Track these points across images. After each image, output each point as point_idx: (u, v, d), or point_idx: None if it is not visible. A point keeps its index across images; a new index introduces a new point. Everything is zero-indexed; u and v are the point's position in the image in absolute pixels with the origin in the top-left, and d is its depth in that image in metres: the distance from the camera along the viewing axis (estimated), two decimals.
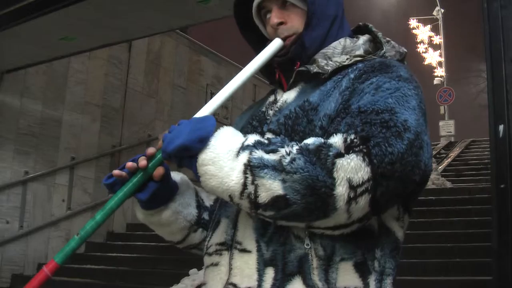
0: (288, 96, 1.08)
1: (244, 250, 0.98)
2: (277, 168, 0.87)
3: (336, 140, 0.88)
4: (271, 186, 0.86)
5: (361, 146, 0.86)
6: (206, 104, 1.04)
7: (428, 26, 20.92)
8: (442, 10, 20.19)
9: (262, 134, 1.03)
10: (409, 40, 20.70)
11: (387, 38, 1.10)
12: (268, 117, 1.09)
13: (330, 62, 1.05)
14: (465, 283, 3.81)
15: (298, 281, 0.92)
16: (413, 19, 21.18)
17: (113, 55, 6.68)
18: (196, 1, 3.87)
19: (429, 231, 4.85)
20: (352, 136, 0.88)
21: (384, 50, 1.06)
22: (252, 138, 0.93)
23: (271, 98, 1.14)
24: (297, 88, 1.08)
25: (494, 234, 1.83)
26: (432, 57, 20.56)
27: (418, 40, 21.05)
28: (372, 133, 0.88)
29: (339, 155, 0.86)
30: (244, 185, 0.88)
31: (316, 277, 0.92)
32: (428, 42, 20.95)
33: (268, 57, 1.08)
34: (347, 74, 1.01)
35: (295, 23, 1.08)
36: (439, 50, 20.63)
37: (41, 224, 5.73)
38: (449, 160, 9.73)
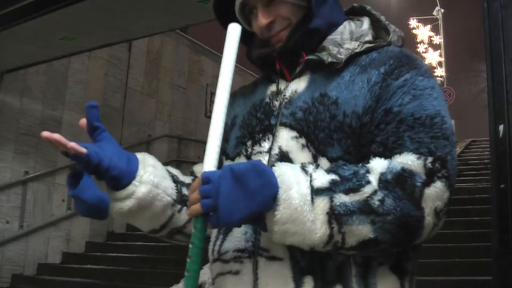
0: (297, 86, 0.98)
1: (273, 258, 0.89)
2: (365, 211, 0.80)
3: (411, 163, 0.82)
4: (361, 232, 0.80)
5: (443, 171, 0.83)
6: (209, 139, 0.87)
7: (428, 26, 20.94)
8: (442, 10, 20.21)
9: (270, 127, 0.96)
10: (409, 40, 20.71)
11: (387, 21, 1.05)
12: (274, 109, 0.99)
13: (342, 49, 0.98)
14: (465, 283, 3.81)
15: None
16: (413, 19, 21.21)
17: (113, 55, 6.68)
18: (196, 1, 3.87)
19: None
20: (430, 160, 0.83)
21: (391, 35, 1.01)
22: (319, 175, 0.82)
23: (272, 88, 1.03)
24: (305, 78, 0.99)
25: (494, 234, 1.83)
26: (432, 57, 20.59)
27: (418, 40, 21.09)
28: (443, 150, 0.84)
29: (425, 184, 0.81)
30: (331, 236, 0.80)
31: (355, 284, 0.87)
32: (428, 42, 20.98)
33: (236, 51, 0.94)
34: (364, 66, 0.94)
35: (286, 15, 0.99)
36: (439, 50, 20.65)
37: (41, 224, 5.73)
38: None
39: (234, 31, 0.94)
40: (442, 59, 20.43)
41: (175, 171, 1.06)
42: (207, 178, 0.81)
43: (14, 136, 5.55)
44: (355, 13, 1.07)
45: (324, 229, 0.80)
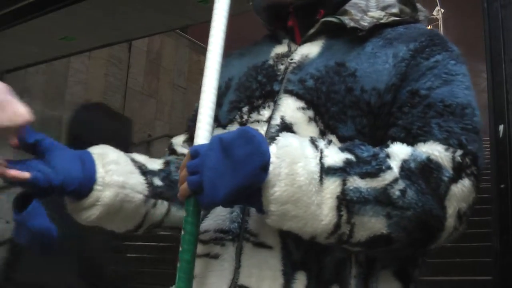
0: (309, 51, 0.86)
1: (261, 245, 0.77)
2: (382, 201, 0.67)
3: (438, 154, 0.71)
4: (373, 225, 0.68)
5: (473, 168, 0.72)
6: (200, 109, 0.77)
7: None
8: (442, 10, 20.19)
9: (272, 93, 0.85)
10: None
11: None
12: (279, 73, 0.87)
13: (366, 16, 0.86)
14: (465, 283, 3.81)
15: None
16: None
17: (113, 55, 6.67)
18: (196, 1, 3.87)
19: None
20: (460, 153, 0.71)
21: (419, 12, 0.92)
22: (332, 153, 0.69)
23: (279, 49, 0.91)
24: (319, 42, 0.87)
25: (494, 234, 1.83)
26: None
27: None
28: (474, 145, 0.73)
29: (453, 180, 0.70)
30: (337, 226, 0.68)
31: (354, 287, 0.75)
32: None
33: (228, 8, 0.83)
34: (389, 40, 0.83)
35: None
36: None
37: None
38: None
39: None
40: None
41: (142, 158, 0.92)
42: (195, 152, 0.71)
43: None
44: None
45: (331, 216, 0.67)
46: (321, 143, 0.71)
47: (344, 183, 0.68)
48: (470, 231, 4.83)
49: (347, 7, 0.88)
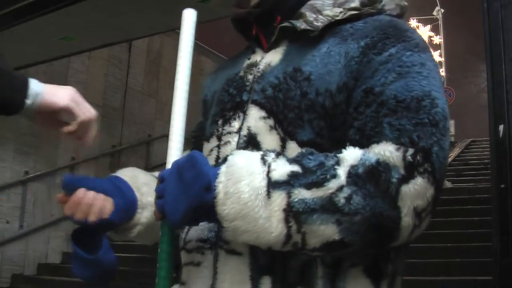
0: (272, 59, 0.87)
1: (232, 252, 0.80)
2: (329, 208, 0.69)
3: (388, 154, 0.70)
4: (324, 232, 0.69)
5: (426, 165, 0.70)
6: (171, 136, 0.82)
7: (428, 26, 20.95)
8: (442, 10, 20.22)
9: (242, 104, 0.86)
10: None
11: None
12: (247, 83, 0.88)
13: (320, 16, 0.84)
14: (465, 283, 3.81)
15: None
16: (413, 19, 21.20)
17: (113, 55, 6.68)
18: (196, 1, 3.87)
19: (429, 231, 4.84)
20: (411, 152, 0.70)
21: (383, 2, 0.87)
22: (279, 166, 0.71)
23: (249, 60, 0.92)
24: (281, 49, 0.87)
25: (494, 234, 1.83)
26: None
27: None
28: (428, 140, 0.72)
29: (403, 180, 0.69)
30: (288, 236, 0.70)
31: (320, 287, 0.76)
32: (428, 42, 20.95)
33: (193, 39, 0.86)
34: (345, 37, 0.82)
35: None
36: (439, 50, 20.66)
37: (41, 224, 5.73)
38: (449, 160, 9.74)
39: (189, 17, 0.88)
40: (442, 59, 20.43)
41: None
42: (161, 177, 0.76)
43: (14, 136, 5.54)
44: None
45: (280, 227, 0.69)
46: (270, 157, 0.73)
47: (289, 195, 0.70)
48: (470, 231, 4.84)
49: (302, 9, 0.87)
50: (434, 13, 20.54)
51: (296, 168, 0.71)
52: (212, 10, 4.05)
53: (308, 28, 0.83)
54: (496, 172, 1.86)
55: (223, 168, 0.73)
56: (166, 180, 0.75)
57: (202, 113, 1.02)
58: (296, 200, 0.69)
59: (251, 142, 0.83)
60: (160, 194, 0.75)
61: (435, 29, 20.81)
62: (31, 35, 4.30)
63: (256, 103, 0.84)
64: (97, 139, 6.85)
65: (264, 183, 0.70)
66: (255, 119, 0.83)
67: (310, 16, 0.85)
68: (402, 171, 0.70)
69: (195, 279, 0.84)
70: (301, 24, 0.84)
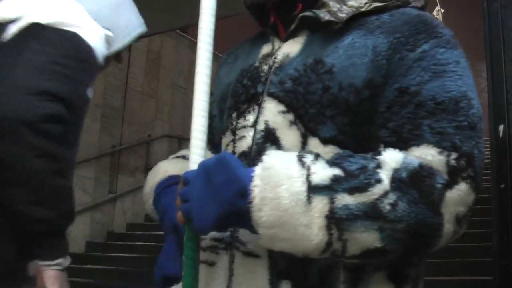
0: (291, 49, 0.83)
1: (250, 254, 0.77)
2: (372, 215, 0.65)
3: (431, 158, 0.68)
4: (366, 240, 0.66)
5: (469, 170, 0.68)
6: (192, 134, 0.76)
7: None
8: (442, 10, 20.20)
9: (256, 96, 0.82)
10: None
11: None
12: (262, 74, 0.84)
13: (345, 7, 0.80)
14: (465, 283, 3.81)
15: None
16: None
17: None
18: (196, 1, 3.88)
19: None
20: (455, 156, 0.68)
21: None
22: (319, 169, 0.67)
23: (265, 49, 0.88)
24: (300, 39, 0.83)
25: (494, 234, 1.83)
26: None
27: None
28: (469, 144, 0.69)
29: (447, 186, 0.67)
30: (329, 244, 0.66)
31: None
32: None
33: (213, 25, 0.80)
34: (371, 29, 0.78)
35: None
36: None
37: None
38: None
39: (207, 2, 0.82)
40: None
41: None
42: (185, 179, 0.72)
43: None
44: None
45: (321, 235, 0.66)
46: (308, 159, 0.69)
47: (332, 201, 0.66)
48: (470, 231, 4.83)
49: None
50: (434, 13, 20.50)
51: (337, 171, 0.67)
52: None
53: (332, 19, 0.79)
54: (496, 172, 1.86)
55: (258, 170, 0.68)
56: (191, 182, 0.71)
57: (222, 107, 0.95)
58: (339, 206, 0.65)
59: (269, 138, 0.79)
60: (185, 198, 0.71)
61: None
62: None
63: (273, 96, 0.80)
64: (97, 139, 6.88)
65: (304, 187, 0.66)
66: (272, 113, 0.80)
67: (334, 6, 0.81)
68: (445, 176, 0.67)
69: (209, 280, 0.80)
70: (324, 15, 0.80)
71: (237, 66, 0.92)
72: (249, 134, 0.82)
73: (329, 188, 0.66)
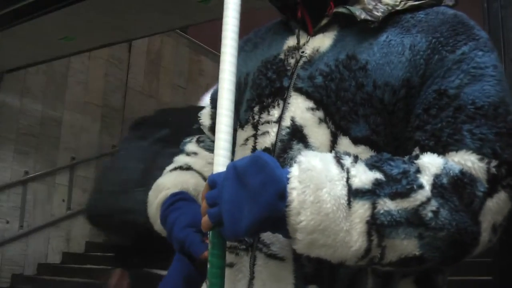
0: (321, 44, 0.80)
1: (273, 256, 0.73)
2: (414, 222, 0.62)
3: (470, 165, 0.65)
4: (405, 247, 0.63)
5: (508, 179, 0.66)
6: (218, 135, 0.71)
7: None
8: None
9: (282, 91, 0.79)
10: None
11: None
12: (288, 67, 0.81)
13: (380, 5, 0.78)
14: (465, 283, 3.81)
15: None
16: None
17: (113, 55, 6.67)
18: (196, 1, 3.87)
19: None
20: (495, 163, 0.65)
21: None
22: (360, 172, 0.64)
23: (291, 41, 0.84)
24: (331, 34, 0.80)
25: None
26: None
27: None
28: (510, 152, 0.67)
29: (488, 194, 0.64)
30: (368, 250, 0.63)
31: None
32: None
33: (238, 19, 0.76)
34: (407, 28, 0.76)
35: None
36: None
37: (41, 224, 5.72)
38: None
39: None
40: None
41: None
42: (212, 182, 0.68)
43: (14, 136, 5.54)
44: None
45: (361, 241, 0.62)
46: (347, 161, 0.66)
47: (374, 206, 0.63)
48: None
49: None
50: None
51: (379, 175, 0.64)
52: (212, 10, 4.04)
53: (368, 18, 0.76)
54: None
55: (294, 171, 0.65)
56: (220, 185, 0.66)
57: (236, 97, 0.84)
58: (381, 212, 0.62)
59: (296, 135, 0.75)
60: (213, 202, 0.67)
61: None
62: (31, 35, 4.30)
63: (301, 91, 0.77)
64: (97, 139, 6.86)
65: (344, 191, 0.63)
66: (300, 109, 0.76)
67: (369, 3, 0.78)
68: (486, 184, 0.65)
69: (228, 282, 0.75)
70: (360, 13, 0.77)
71: (256, 56, 0.88)
72: (273, 130, 0.78)
73: (372, 193, 0.63)
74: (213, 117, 0.97)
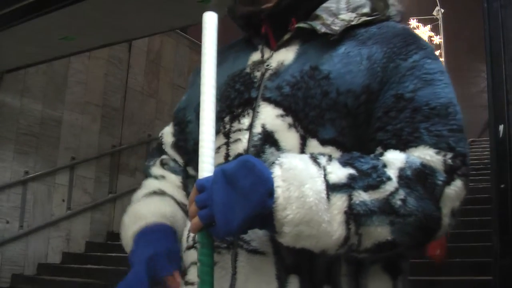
0: (285, 57, 0.88)
1: (255, 251, 0.79)
2: (385, 210, 0.71)
3: (429, 158, 0.74)
4: (379, 234, 0.71)
5: (463, 169, 0.75)
6: (201, 143, 0.77)
7: (428, 26, 20.92)
8: (442, 10, 20.19)
9: (250, 101, 0.86)
10: None
11: None
12: (255, 80, 0.88)
13: (337, 20, 0.86)
14: (465, 283, 3.81)
15: None
16: (413, 19, 21.18)
17: (113, 55, 6.67)
18: (196, 1, 3.87)
19: None
20: (450, 155, 0.75)
21: (390, 9, 0.91)
22: (335, 169, 0.72)
23: (255, 56, 0.92)
24: (293, 48, 0.88)
25: (494, 234, 1.83)
26: None
27: None
28: (462, 145, 0.77)
29: (446, 182, 0.74)
30: (347, 238, 0.71)
31: (345, 284, 0.78)
32: (428, 42, 20.97)
33: (216, 42, 0.83)
34: (363, 40, 0.85)
35: None
36: (439, 50, 20.63)
37: (41, 224, 5.72)
38: None
39: (210, 20, 0.84)
40: (442, 59, 20.43)
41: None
42: (201, 186, 0.73)
43: (14, 136, 5.54)
44: None
45: (340, 230, 0.70)
46: (323, 160, 0.74)
47: (350, 198, 0.71)
48: (470, 231, 4.83)
49: (318, 11, 0.89)
50: (434, 13, 20.50)
51: (352, 171, 0.72)
52: (212, 11, 4.04)
53: (328, 31, 0.85)
54: (496, 172, 1.86)
55: (277, 171, 0.72)
56: (209, 188, 0.72)
57: (193, 110, 0.98)
58: (357, 202, 0.70)
59: (268, 140, 0.83)
60: (203, 204, 0.72)
61: (435, 29, 20.78)
62: (31, 35, 4.30)
63: (269, 100, 0.84)
64: (97, 139, 6.86)
65: (323, 186, 0.71)
66: (270, 116, 0.84)
67: (327, 19, 0.87)
68: (444, 174, 0.74)
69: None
70: (321, 28, 0.85)
71: (221, 72, 0.93)
72: (244, 137, 0.85)
73: (347, 186, 0.71)
74: (175, 134, 1.05)
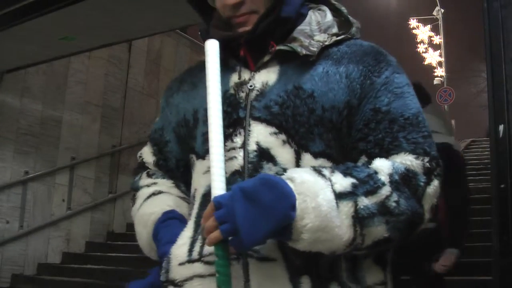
0: (268, 78, 0.94)
1: (265, 259, 0.85)
2: (383, 212, 0.82)
3: (409, 163, 0.85)
4: (378, 232, 0.82)
5: (438, 170, 0.87)
6: (212, 163, 0.84)
7: (428, 26, 20.95)
8: (442, 10, 20.19)
9: (239, 121, 0.92)
10: (409, 40, 20.73)
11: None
12: (241, 100, 0.93)
13: (313, 41, 0.94)
14: (465, 283, 3.81)
15: (336, 287, 0.86)
16: (413, 19, 21.20)
17: (113, 55, 6.67)
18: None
19: None
20: (427, 159, 0.86)
21: (353, 27, 0.99)
22: (339, 179, 0.81)
23: (235, 77, 0.96)
24: (274, 69, 0.94)
25: (494, 234, 1.83)
26: (432, 57, 20.60)
27: (418, 40, 21.09)
28: (434, 149, 0.88)
29: (427, 183, 0.85)
30: (354, 239, 0.81)
31: (346, 279, 0.87)
32: (428, 42, 20.99)
33: (219, 67, 0.89)
34: (337, 59, 0.93)
35: (256, 0, 0.94)
36: (439, 50, 20.65)
37: (41, 224, 5.73)
38: None
39: (212, 47, 0.88)
40: (442, 59, 20.41)
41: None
42: (218, 203, 0.78)
43: (14, 136, 5.55)
44: (312, 0, 1.03)
45: (349, 233, 0.80)
46: (327, 173, 0.82)
47: (356, 204, 0.80)
48: (470, 231, 4.83)
49: (295, 34, 0.95)
50: (434, 13, 20.51)
51: (353, 180, 0.82)
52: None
53: (307, 53, 0.92)
54: (496, 172, 1.86)
55: (291, 186, 0.79)
56: (228, 206, 0.77)
57: (183, 133, 1.04)
58: (361, 207, 0.80)
59: (264, 156, 0.89)
60: (223, 220, 0.77)
61: (435, 29, 20.80)
62: (31, 35, 4.30)
63: (259, 119, 0.91)
64: (97, 139, 6.85)
65: (332, 196, 0.80)
66: (263, 134, 0.90)
67: (305, 41, 0.94)
68: (424, 176, 0.85)
69: None
70: (301, 50, 0.92)
71: (200, 94, 0.99)
72: (239, 154, 0.90)
73: (353, 194, 0.81)
74: (155, 153, 1.11)
